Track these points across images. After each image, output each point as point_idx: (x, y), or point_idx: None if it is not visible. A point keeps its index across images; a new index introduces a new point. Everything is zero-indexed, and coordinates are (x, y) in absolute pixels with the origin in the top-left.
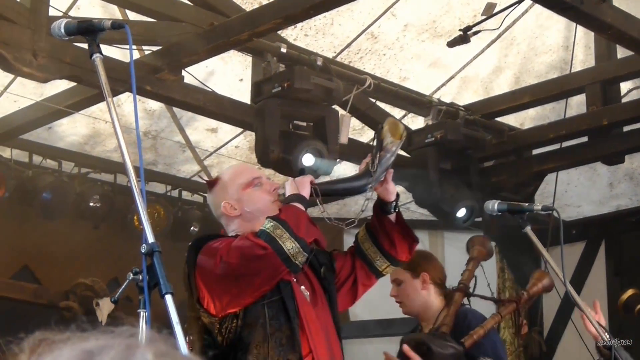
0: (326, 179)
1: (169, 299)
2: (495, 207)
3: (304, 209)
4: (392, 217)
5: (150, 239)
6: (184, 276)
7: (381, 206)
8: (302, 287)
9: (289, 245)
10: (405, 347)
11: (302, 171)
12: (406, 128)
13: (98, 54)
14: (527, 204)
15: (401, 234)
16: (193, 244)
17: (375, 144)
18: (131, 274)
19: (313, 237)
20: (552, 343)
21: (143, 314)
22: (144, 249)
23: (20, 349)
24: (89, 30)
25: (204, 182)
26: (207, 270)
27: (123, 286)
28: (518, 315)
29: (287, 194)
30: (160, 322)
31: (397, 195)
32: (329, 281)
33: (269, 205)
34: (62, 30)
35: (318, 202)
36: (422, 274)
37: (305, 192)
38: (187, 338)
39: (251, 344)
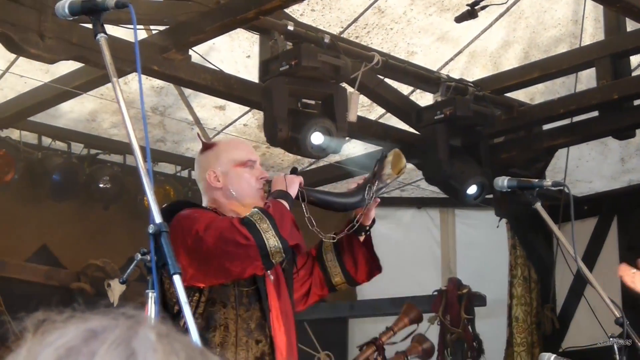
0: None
1: (177, 279)
2: (505, 183)
3: (289, 209)
4: (361, 237)
5: (158, 219)
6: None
7: (356, 226)
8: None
9: (272, 242)
10: None
11: (295, 170)
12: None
13: (102, 34)
14: (537, 180)
15: (366, 258)
16: (168, 207)
17: (375, 169)
18: (139, 255)
19: (296, 242)
20: (565, 320)
21: (151, 295)
22: (151, 229)
23: (24, 328)
24: (92, 9)
25: (202, 140)
26: (177, 237)
27: (131, 267)
28: (379, 355)
29: (275, 188)
30: None
31: (374, 221)
32: (289, 273)
33: (253, 192)
34: (66, 10)
35: (303, 207)
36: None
37: (293, 192)
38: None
39: (217, 323)
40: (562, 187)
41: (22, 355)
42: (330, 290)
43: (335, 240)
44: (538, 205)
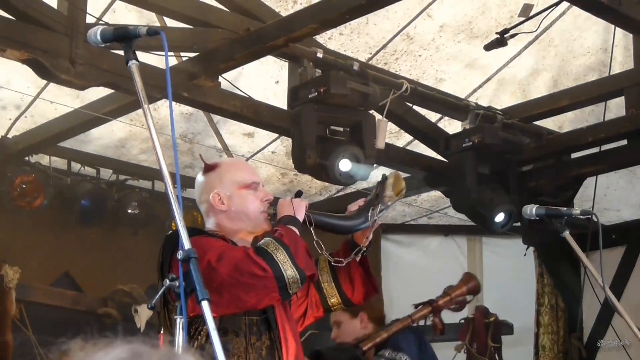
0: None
1: (205, 305)
2: (534, 211)
3: (299, 235)
4: (358, 258)
5: (187, 245)
6: (157, 265)
7: (351, 246)
8: None
9: (290, 273)
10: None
11: (300, 193)
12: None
13: (134, 61)
14: (565, 209)
15: (362, 279)
16: (173, 234)
17: (377, 191)
18: (167, 281)
19: (312, 272)
20: (592, 349)
21: (179, 320)
22: (180, 255)
23: (69, 350)
24: (124, 37)
25: (204, 162)
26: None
27: (159, 292)
28: (435, 317)
29: (283, 214)
30: None
31: (370, 242)
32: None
33: (258, 215)
34: (99, 37)
35: (312, 232)
36: (361, 314)
37: (300, 216)
38: (160, 332)
39: (230, 353)
40: (590, 216)
41: None
42: (325, 311)
43: (344, 264)
44: (566, 234)
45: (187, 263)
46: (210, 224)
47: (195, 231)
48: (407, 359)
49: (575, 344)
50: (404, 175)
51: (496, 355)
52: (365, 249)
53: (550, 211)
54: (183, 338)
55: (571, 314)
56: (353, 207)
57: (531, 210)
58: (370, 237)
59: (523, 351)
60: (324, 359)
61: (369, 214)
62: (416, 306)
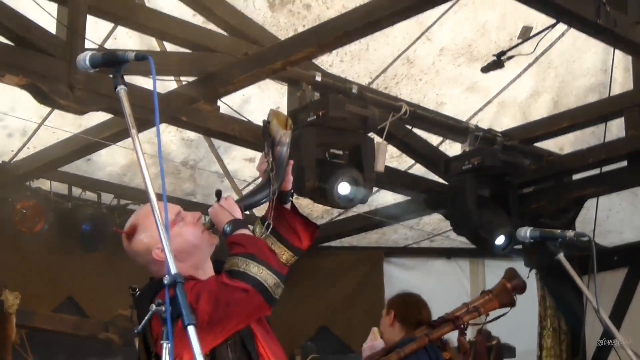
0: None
1: (191, 330)
2: (528, 234)
3: (251, 234)
4: (289, 205)
5: (173, 269)
6: (139, 338)
7: (279, 197)
8: None
9: (271, 280)
10: None
11: (219, 193)
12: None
13: (122, 86)
14: (559, 231)
15: (303, 224)
16: (143, 294)
17: (268, 140)
18: (154, 305)
19: (285, 269)
20: None
21: (166, 346)
22: (166, 280)
23: None
24: (113, 62)
25: (121, 233)
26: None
27: (146, 317)
28: (460, 335)
29: (222, 222)
30: None
31: (293, 184)
32: None
33: (201, 237)
34: (87, 62)
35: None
36: (391, 311)
37: (238, 213)
38: None
39: None
40: (585, 238)
41: None
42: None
43: (269, 230)
44: (561, 256)
45: (174, 288)
46: None
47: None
48: None
49: None
50: (402, 198)
51: None
52: (292, 193)
53: (544, 234)
54: None
55: (574, 336)
56: (260, 167)
57: (525, 232)
58: (290, 178)
59: None
60: None
61: (272, 179)
62: (435, 323)
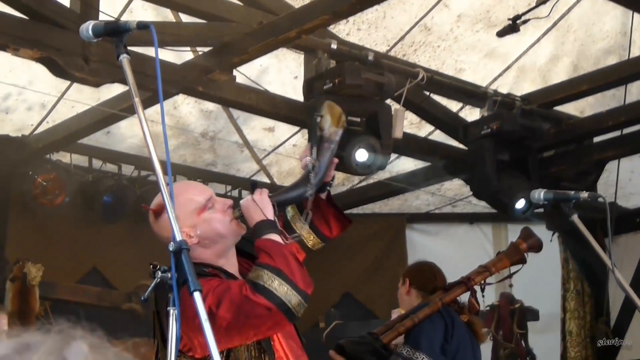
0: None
1: (197, 296)
2: (542, 196)
3: (280, 239)
4: (325, 194)
5: (178, 236)
6: (153, 316)
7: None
8: None
9: (294, 300)
10: (331, 352)
11: (255, 185)
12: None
13: (125, 55)
14: (573, 192)
15: (335, 216)
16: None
17: (318, 133)
18: (159, 272)
19: (311, 287)
20: (620, 333)
21: (173, 312)
22: (171, 246)
23: None
24: (115, 31)
25: (149, 209)
26: (189, 315)
27: (152, 285)
28: (471, 296)
29: (253, 219)
30: None
31: (333, 176)
32: None
33: (228, 226)
34: (90, 32)
35: (279, 228)
36: (406, 279)
37: (270, 213)
38: None
39: None
40: (600, 199)
41: None
42: (307, 253)
43: (308, 221)
44: (575, 218)
45: (179, 255)
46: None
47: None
48: (424, 358)
49: (603, 329)
50: (423, 165)
51: (522, 342)
52: (330, 184)
53: (558, 195)
54: (177, 330)
55: (597, 298)
56: (303, 159)
57: (539, 194)
58: (332, 172)
59: (549, 337)
60: (345, 353)
61: (311, 177)
62: (449, 286)
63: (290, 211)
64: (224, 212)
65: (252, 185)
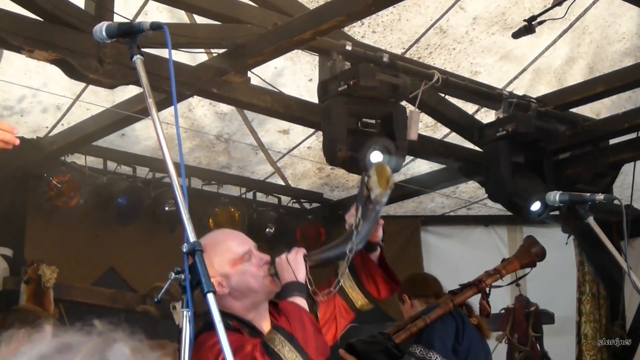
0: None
1: (210, 297)
2: (557, 198)
3: (306, 304)
4: (376, 254)
5: (192, 237)
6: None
7: (367, 245)
8: None
9: None
10: (341, 351)
11: (296, 245)
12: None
13: (139, 56)
14: (589, 194)
15: (383, 278)
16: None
17: (363, 194)
18: (173, 274)
19: (324, 356)
20: (635, 336)
21: (186, 314)
22: (185, 248)
23: None
24: (129, 32)
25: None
26: None
27: (165, 286)
28: (482, 298)
29: (284, 279)
30: None
31: (383, 234)
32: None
33: (261, 282)
34: (104, 33)
35: (307, 280)
36: (403, 296)
37: (301, 274)
38: None
39: None
40: (615, 201)
41: None
42: (356, 313)
43: (336, 289)
44: (590, 220)
45: (192, 256)
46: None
47: (207, 326)
48: (437, 358)
49: (618, 332)
50: (438, 167)
51: (537, 345)
52: (380, 244)
53: (573, 197)
54: (190, 331)
55: (613, 301)
56: (349, 218)
57: (555, 196)
58: (380, 233)
59: (565, 340)
60: (355, 352)
61: (354, 235)
62: (459, 288)
63: (341, 268)
64: (259, 267)
65: (293, 245)
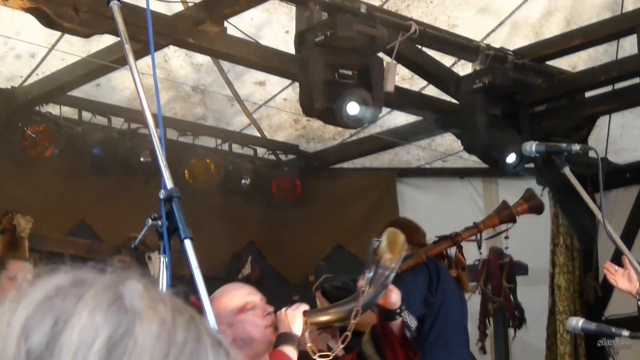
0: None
1: (187, 243)
2: (533, 148)
3: (295, 354)
4: (398, 323)
5: (169, 184)
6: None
7: (385, 313)
8: None
9: None
10: (317, 294)
11: (296, 299)
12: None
13: (115, 1)
14: (565, 145)
15: (401, 346)
16: None
17: (374, 261)
18: (150, 220)
19: None
20: (608, 288)
21: (163, 260)
22: (162, 194)
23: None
24: None
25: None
26: None
27: (142, 232)
28: (458, 251)
29: (280, 330)
30: None
31: (402, 301)
32: None
33: (263, 332)
34: None
35: (306, 337)
36: None
37: (298, 329)
38: None
39: None
40: (590, 151)
41: (11, 295)
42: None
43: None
44: (566, 170)
45: (170, 202)
46: None
47: None
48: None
49: (591, 284)
50: (416, 119)
51: (511, 296)
52: (399, 312)
53: (549, 147)
54: (168, 277)
55: (586, 253)
56: (360, 281)
57: (531, 146)
58: (394, 298)
59: (538, 291)
60: (326, 297)
61: (361, 298)
62: (437, 240)
63: (365, 336)
64: (262, 318)
65: (294, 300)
